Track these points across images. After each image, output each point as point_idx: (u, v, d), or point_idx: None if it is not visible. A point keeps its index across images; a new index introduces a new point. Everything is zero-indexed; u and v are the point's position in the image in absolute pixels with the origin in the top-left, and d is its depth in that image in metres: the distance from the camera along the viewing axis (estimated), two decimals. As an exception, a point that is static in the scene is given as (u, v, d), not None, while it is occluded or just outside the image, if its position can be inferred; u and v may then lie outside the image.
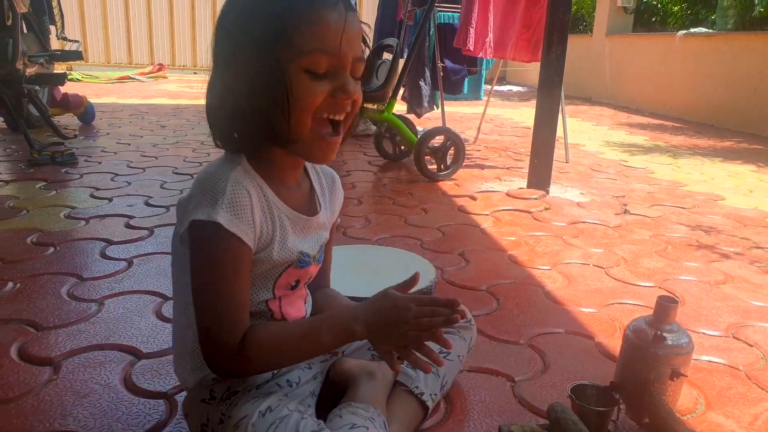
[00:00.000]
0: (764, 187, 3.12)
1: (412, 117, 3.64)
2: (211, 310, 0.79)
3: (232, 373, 0.84)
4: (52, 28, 3.96)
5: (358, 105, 0.84)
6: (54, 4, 3.90)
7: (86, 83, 7.03)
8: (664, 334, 1.01)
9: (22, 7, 3.21)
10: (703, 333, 1.45)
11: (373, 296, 0.85)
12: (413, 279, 0.86)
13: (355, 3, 4.50)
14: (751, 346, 1.39)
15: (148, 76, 8.28)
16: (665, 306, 1.02)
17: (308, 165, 0.97)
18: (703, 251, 2.06)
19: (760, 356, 1.35)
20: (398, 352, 0.81)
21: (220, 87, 0.81)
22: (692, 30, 5.94)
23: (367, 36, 0.85)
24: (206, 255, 0.79)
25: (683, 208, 2.63)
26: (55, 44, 4.16)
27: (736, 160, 3.84)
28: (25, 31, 3.28)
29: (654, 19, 6.99)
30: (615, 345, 1.36)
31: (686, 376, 1.02)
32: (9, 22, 3.01)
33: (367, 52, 0.84)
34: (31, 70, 3.39)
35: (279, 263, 0.86)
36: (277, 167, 0.86)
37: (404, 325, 0.79)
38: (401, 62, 3.02)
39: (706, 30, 5.83)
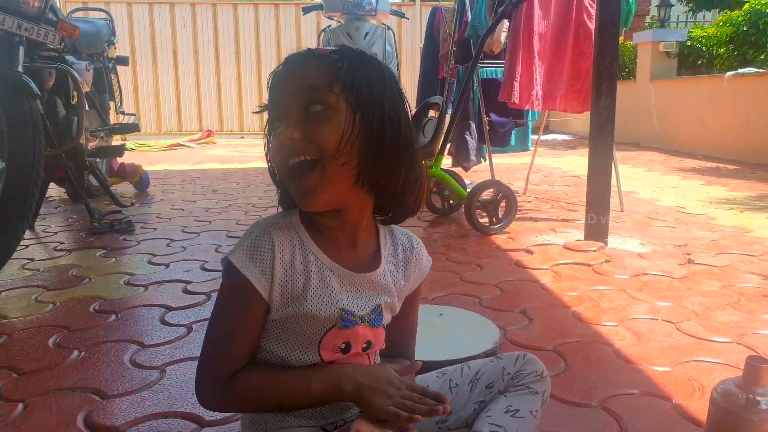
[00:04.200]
0: (837, 229, 2.95)
1: (458, 170, 3.64)
2: (209, 340, 0.84)
3: (216, 406, 0.86)
4: (112, 103, 4.20)
5: (322, 139, 0.79)
6: (113, 82, 4.15)
7: (140, 152, 7.37)
8: (757, 398, 0.94)
9: (86, 87, 3.43)
10: (793, 393, 1.34)
11: (373, 365, 0.88)
12: (412, 366, 0.88)
13: (397, 65, 4.61)
14: None
15: (197, 142, 8.62)
16: (757, 367, 0.95)
17: (381, 229, 0.95)
18: (780, 302, 1.94)
19: None
20: (377, 421, 0.81)
21: None
22: (741, 70, 5.83)
23: (329, 66, 0.81)
24: (219, 290, 0.85)
25: (752, 255, 2.50)
26: (113, 118, 4.40)
27: (801, 202, 3.67)
28: (87, 108, 3.50)
29: (700, 62, 6.91)
30: (696, 407, 1.27)
31: (786, 443, 0.94)
32: (74, 102, 3.21)
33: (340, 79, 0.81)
34: (92, 144, 3.57)
35: (319, 320, 0.84)
36: (322, 225, 0.87)
37: (388, 399, 0.80)
38: (446, 119, 3.06)
39: (757, 69, 5.71)
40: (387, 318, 0.94)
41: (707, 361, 1.52)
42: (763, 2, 6.06)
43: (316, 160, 0.80)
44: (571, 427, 1.20)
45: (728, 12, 7.05)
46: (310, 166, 0.80)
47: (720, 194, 4.03)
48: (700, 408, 1.26)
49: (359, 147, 0.81)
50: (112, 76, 4.10)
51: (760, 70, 5.67)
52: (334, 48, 0.84)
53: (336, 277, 0.86)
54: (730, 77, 5.88)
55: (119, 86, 4.24)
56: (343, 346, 0.88)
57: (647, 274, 2.25)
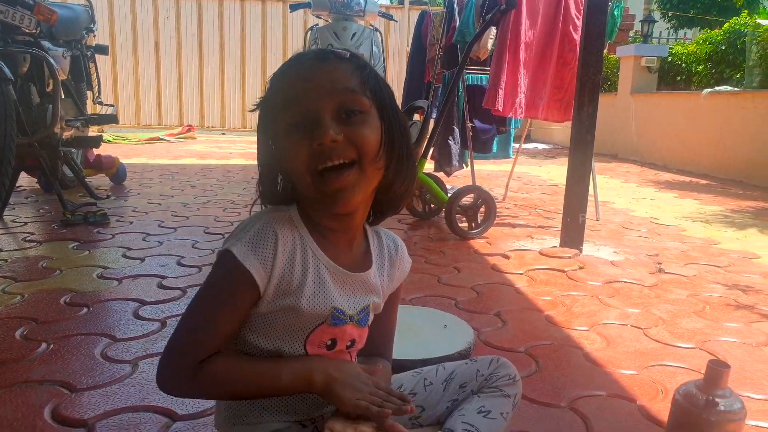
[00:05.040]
0: (802, 244, 3.04)
1: (440, 175, 3.67)
2: (187, 325, 0.81)
3: (180, 392, 0.84)
4: (89, 93, 4.14)
5: (364, 142, 0.81)
6: (92, 71, 4.09)
7: (117, 144, 7.26)
8: (717, 399, 0.98)
9: (62, 75, 3.37)
10: (749, 396, 1.40)
11: (342, 360, 0.87)
12: (375, 367, 0.89)
13: (383, 67, 4.63)
14: (800, 411, 1.34)
15: (177, 136, 8.53)
16: (717, 371, 0.99)
17: (369, 230, 0.96)
18: (742, 311, 1.99)
19: (809, 422, 1.30)
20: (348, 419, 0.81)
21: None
22: (718, 88, 5.98)
23: (356, 70, 0.82)
24: (209, 276, 0.83)
25: (718, 266, 2.57)
26: (91, 108, 4.34)
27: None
28: (63, 96, 3.45)
29: (679, 78, 7.06)
30: (658, 408, 1.31)
31: (741, 443, 0.98)
32: (50, 89, 3.15)
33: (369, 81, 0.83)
34: (68, 134, 3.52)
35: (310, 316, 0.84)
36: (324, 227, 0.87)
37: (358, 393, 0.81)
38: (431, 123, 3.08)
39: (732, 88, 5.86)
40: (371, 318, 0.95)
41: (671, 366, 1.56)
42: (741, 23, 6.22)
43: (352, 162, 0.81)
44: (540, 427, 1.22)
45: (708, 30, 7.22)
46: (345, 168, 0.80)
47: (691, 207, 4.12)
48: (662, 409, 1.30)
49: (388, 150, 0.84)
50: (91, 64, 4.03)
51: (735, 89, 5.82)
52: (346, 50, 0.85)
53: (331, 275, 0.86)
54: (707, 94, 6.01)
55: (98, 76, 4.18)
56: (329, 342, 0.88)
57: (619, 282, 2.30)
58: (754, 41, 5.65)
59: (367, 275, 0.91)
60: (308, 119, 0.79)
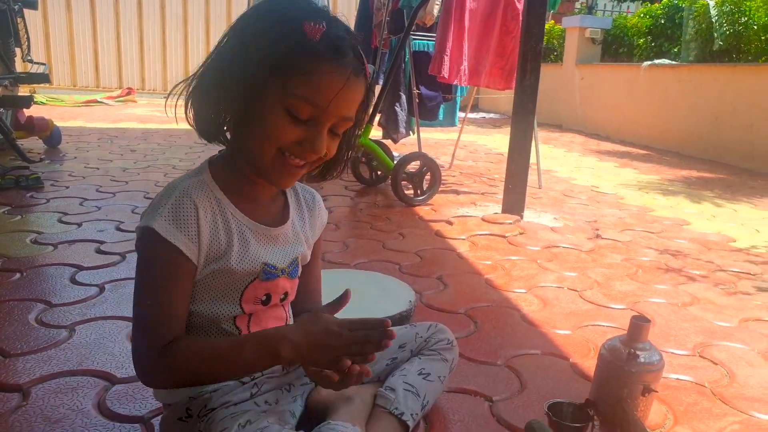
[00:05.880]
0: (726, 212, 3.22)
1: (388, 142, 3.68)
2: (138, 313, 0.81)
3: (154, 381, 0.83)
4: (18, 50, 3.90)
5: (333, 153, 0.87)
6: (20, 26, 3.85)
7: (51, 106, 6.91)
8: (637, 352, 1.04)
9: (-14, 30, 3.17)
10: (672, 352, 1.49)
11: (302, 318, 0.84)
12: (344, 297, 0.86)
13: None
14: (716, 364, 1.45)
15: (116, 99, 8.18)
16: (638, 325, 1.05)
17: None
18: (671, 274, 2.11)
19: (724, 374, 1.40)
20: (328, 369, 0.79)
21: (212, 70, 0.83)
22: (656, 61, 6.16)
23: (369, 100, 0.88)
24: (141, 260, 0.82)
25: (652, 233, 2.69)
26: (20, 67, 4.10)
27: (700, 188, 3.96)
28: (-13, 53, 3.25)
29: (621, 50, 7.23)
30: (589, 365, 1.38)
31: (657, 391, 1.06)
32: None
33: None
34: (-6, 93, 3.32)
35: (241, 274, 0.86)
36: (247, 182, 0.88)
37: (334, 351, 0.78)
38: (377, 89, 3.06)
39: (670, 61, 6.05)
40: (300, 269, 0.97)
41: (603, 325, 1.65)
42: (680, -4, 6.39)
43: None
44: (477, 383, 1.27)
45: (649, 4, 7.38)
46: (308, 164, 0.85)
47: (630, 176, 4.28)
48: (592, 366, 1.35)
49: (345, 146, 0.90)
50: (18, 19, 3.79)
51: (673, 62, 6.02)
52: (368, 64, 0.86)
53: (254, 234, 0.88)
54: (646, 67, 6.20)
55: (27, 32, 3.93)
56: (264, 297, 0.90)
57: (558, 247, 2.38)
58: (691, 16, 5.83)
59: (286, 227, 0.93)
60: (310, 119, 0.80)
